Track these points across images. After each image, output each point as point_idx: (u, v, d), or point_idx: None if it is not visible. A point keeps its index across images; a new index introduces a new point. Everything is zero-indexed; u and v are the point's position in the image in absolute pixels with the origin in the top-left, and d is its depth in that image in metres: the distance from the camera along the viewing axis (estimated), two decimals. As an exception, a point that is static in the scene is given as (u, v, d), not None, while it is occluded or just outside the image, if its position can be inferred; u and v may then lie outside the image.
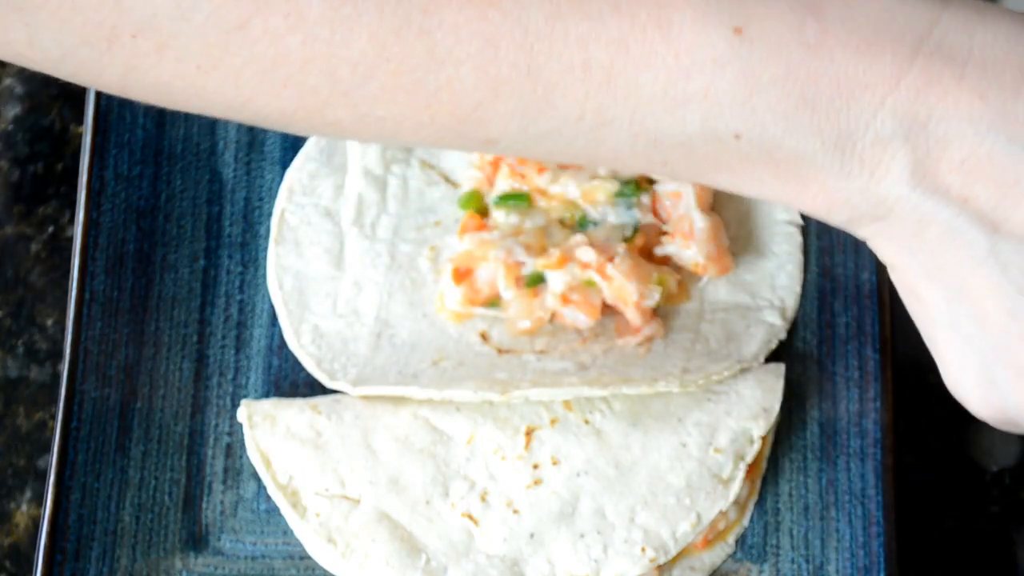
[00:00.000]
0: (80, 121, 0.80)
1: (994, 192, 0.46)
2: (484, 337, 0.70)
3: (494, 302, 0.70)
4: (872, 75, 0.46)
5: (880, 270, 0.70)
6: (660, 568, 0.66)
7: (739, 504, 0.68)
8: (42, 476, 0.74)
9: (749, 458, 0.67)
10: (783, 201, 0.51)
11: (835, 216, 0.50)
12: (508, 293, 0.69)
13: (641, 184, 0.70)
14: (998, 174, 0.46)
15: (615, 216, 0.70)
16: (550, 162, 0.58)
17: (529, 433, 0.67)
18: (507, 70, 0.48)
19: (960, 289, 0.49)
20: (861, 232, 0.51)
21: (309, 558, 0.67)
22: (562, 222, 0.71)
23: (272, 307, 0.72)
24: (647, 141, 0.49)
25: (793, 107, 0.46)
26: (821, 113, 0.46)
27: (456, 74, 0.48)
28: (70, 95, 0.81)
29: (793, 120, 0.47)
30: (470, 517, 0.66)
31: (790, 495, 0.68)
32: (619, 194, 0.70)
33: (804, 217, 0.72)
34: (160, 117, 0.73)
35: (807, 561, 0.67)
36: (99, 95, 0.73)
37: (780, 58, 0.46)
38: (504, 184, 0.71)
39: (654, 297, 0.69)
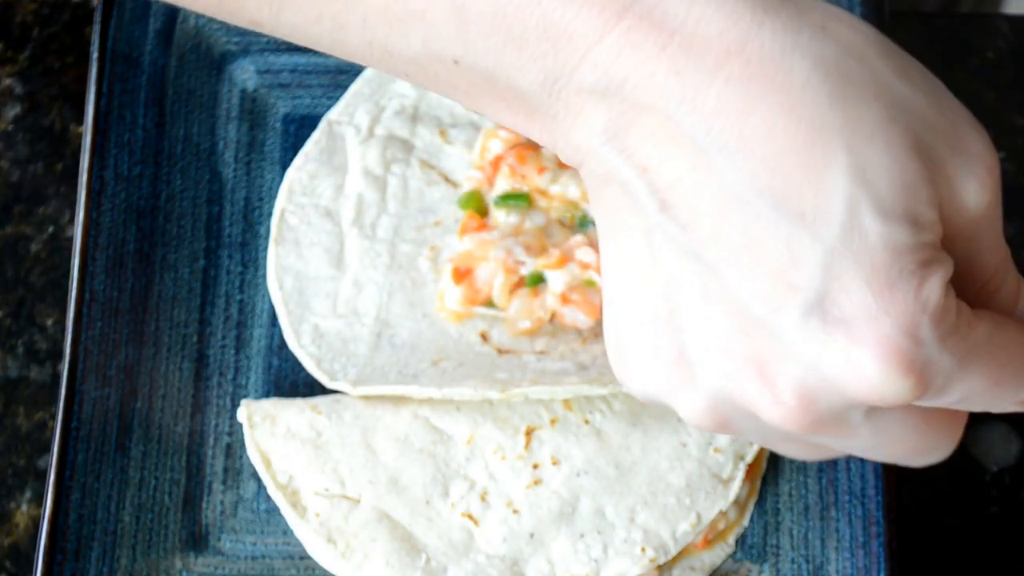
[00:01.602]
0: (80, 121, 0.80)
1: (671, 172, 0.45)
2: (484, 337, 0.70)
3: (494, 302, 0.70)
4: (577, 25, 0.45)
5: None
6: (660, 568, 0.66)
7: (739, 504, 0.68)
8: (42, 476, 0.74)
9: (749, 458, 0.67)
10: (517, 130, 0.50)
11: (561, 156, 0.50)
12: (502, 300, 0.69)
13: (641, 184, 0.70)
14: (678, 156, 0.44)
15: (615, 216, 0.70)
16: (307, 47, 0.60)
17: (529, 433, 0.67)
18: None
19: (624, 253, 0.48)
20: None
21: (309, 558, 0.67)
22: (562, 222, 0.71)
23: (272, 307, 0.72)
24: (381, 52, 0.50)
25: (502, 42, 0.46)
26: (527, 54, 0.46)
27: None
28: (70, 95, 0.81)
29: (503, 55, 0.47)
30: (470, 517, 0.66)
31: (790, 495, 0.68)
32: (619, 194, 0.70)
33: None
34: (160, 117, 0.73)
35: (807, 561, 0.67)
36: (99, 95, 0.72)
37: None
38: (504, 184, 0.71)
39: (654, 297, 0.69)
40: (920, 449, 0.50)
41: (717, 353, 0.46)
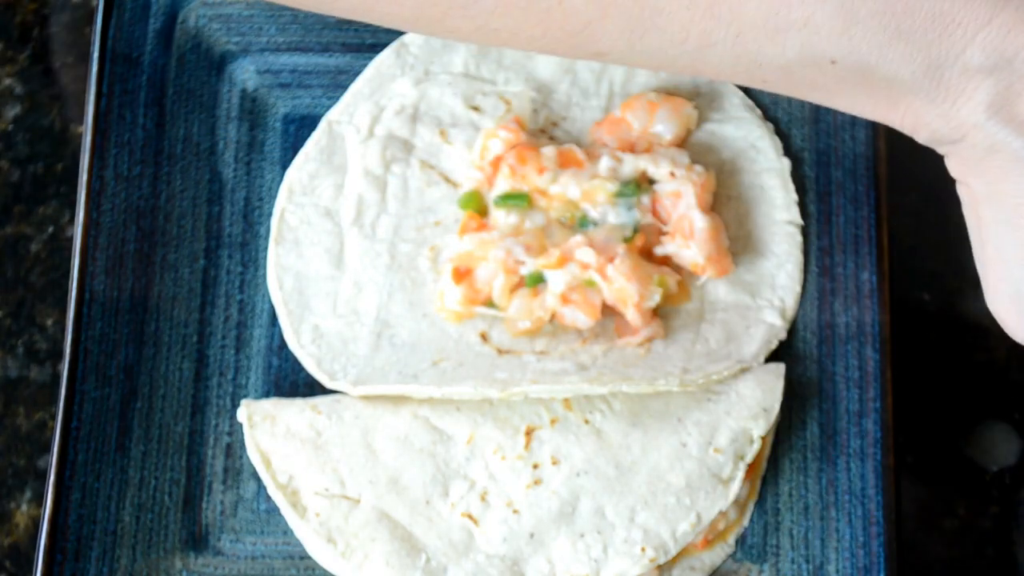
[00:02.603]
0: (80, 121, 0.80)
1: None
2: (484, 337, 0.70)
3: (494, 302, 0.70)
4: (966, 12, 0.50)
5: (880, 270, 0.70)
6: (660, 568, 0.66)
7: (739, 504, 0.68)
8: (42, 476, 0.74)
9: (749, 458, 0.67)
10: (873, 117, 0.55)
11: (919, 135, 0.54)
12: (502, 300, 0.69)
13: (641, 184, 0.70)
14: None
15: (615, 216, 0.70)
16: (658, 71, 0.62)
17: (529, 433, 0.67)
18: None
19: (1012, 215, 0.52)
20: (940, 150, 0.55)
21: (309, 558, 0.67)
22: (562, 222, 0.71)
23: (272, 307, 0.72)
24: (748, 63, 0.54)
25: (888, 39, 0.51)
26: (914, 45, 0.50)
27: None
28: (70, 95, 0.81)
29: (888, 50, 0.51)
30: (470, 517, 0.66)
31: (790, 495, 0.68)
32: (619, 194, 0.70)
33: (804, 217, 0.72)
34: (160, 117, 0.74)
35: (807, 561, 0.67)
36: (99, 95, 0.73)
37: None
38: (504, 184, 0.71)
39: (654, 298, 0.69)
40: None
41: None
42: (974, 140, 0.52)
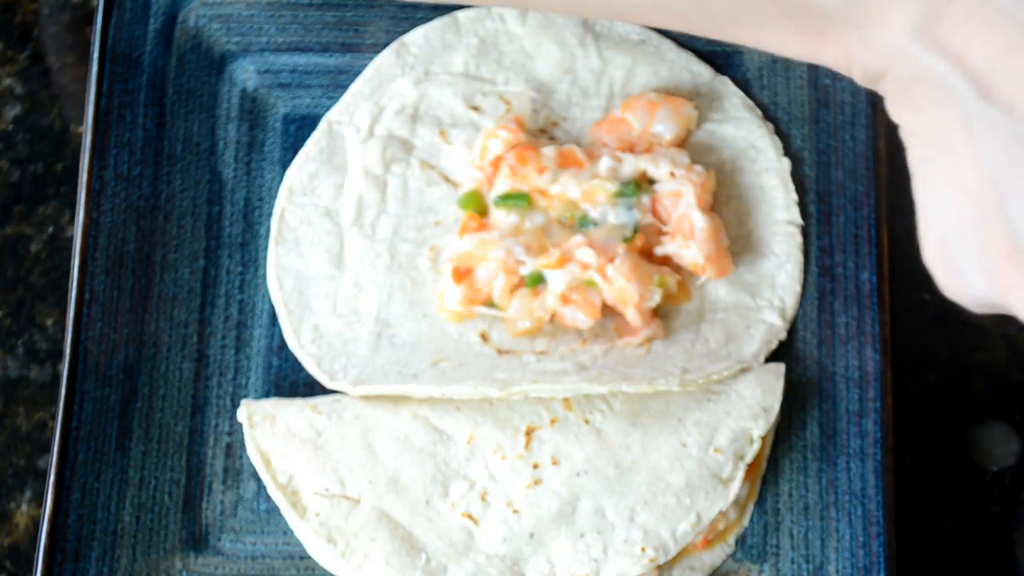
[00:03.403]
0: (80, 121, 0.80)
1: (992, 54, 0.44)
2: (484, 337, 0.70)
3: (494, 302, 0.70)
4: None
5: (880, 270, 0.70)
6: (660, 568, 0.66)
7: (739, 504, 0.68)
8: (42, 476, 0.74)
9: (749, 458, 0.67)
10: (805, 56, 0.51)
11: (854, 73, 0.50)
12: (502, 300, 0.69)
13: (641, 184, 0.70)
14: (999, 36, 0.44)
15: (615, 216, 0.70)
16: (580, 15, 0.58)
17: (529, 433, 0.67)
18: None
19: (936, 152, 0.47)
20: (879, 90, 0.50)
21: (309, 558, 0.67)
22: (562, 222, 0.71)
23: (272, 307, 0.72)
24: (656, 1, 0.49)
25: None
26: None
27: None
28: (70, 95, 0.81)
29: None
30: (470, 517, 0.66)
31: (790, 495, 0.68)
32: (619, 194, 0.70)
33: (804, 217, 0.72)
34: (160, 117, 0.74)
35: (807, 561, 0.67)
36: (99, 95, 0.73)
37: None
38: (504, 184, 0.71)
39: (655, 299, 0.69)
40: None
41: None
42: (899, 70, 0.48)
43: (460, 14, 0.75)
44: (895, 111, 0.50)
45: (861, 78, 0.50)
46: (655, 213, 0.71)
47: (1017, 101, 0.44)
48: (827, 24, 0.48)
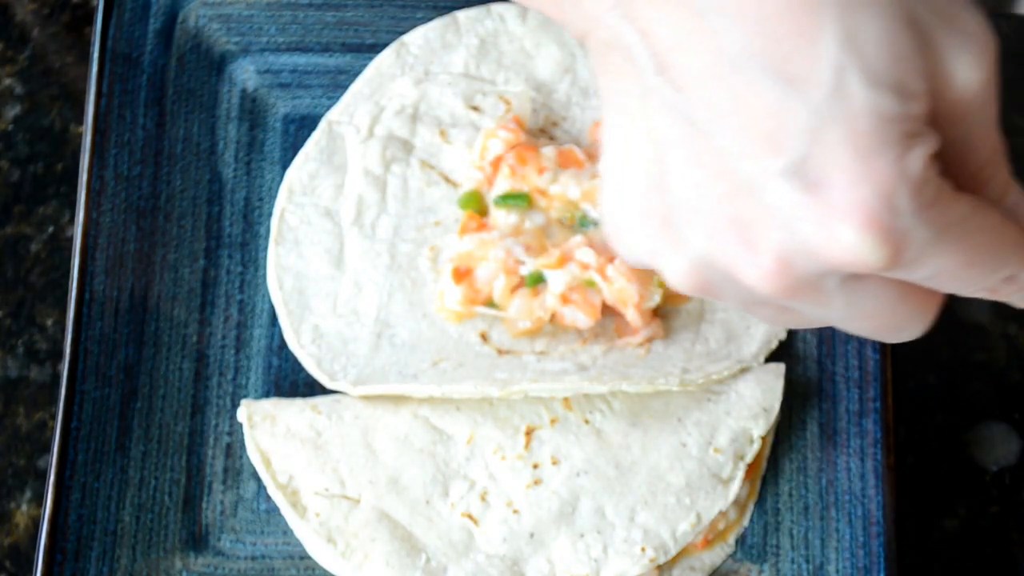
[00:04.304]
0: (80, 121, 0.80)
1: (671, 35, 0.46)
2: (484, 338, 0.70)
3: (494, 302, 0.70)
4: None
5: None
6: (660, 568, 0.66)
7: (739, 504, 0.68)
8: (42, 476, 0.74)
9: (749, 458, 0.67)
10: (560, 22, 0.53)
11: (570, 28, 0.52)
12: (502, 300, 0.69)
13: (641, 184, 0.70)
14: (679, 20, 0.46)
15: (615, 216, 0.70)
16: None
17: (529, 433, 0.67)
18: None
19: (622, 117, 0.49)
20: (585, 49, 0.52)
21: (309, 558, 0.67)
22: (562, 222, 0.71)
23: (272, 307, 0.72)
24: None
25: None
26: None
27: None
28: (70, 95, 0.81)
29: None
30: (470, 517, 0.66)
31: (790, 495, 0.68)
32: (619, 194, 0.70)
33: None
34: (160, 117, 0.74)
35: (807, 561, 0.67)
36: (99, 95, 0.73)
37: None
38: (504, 184, 0.71)
39: (655, 299, 0.69)
40: (891, 324, 0.50)
41: (702, 215, 0.47)
42: (596, 34, 0.50)
43: (460, 14, 0.75)
44: (593, 73, 0.53)
45: (571, 34, 0.53)
46: (655, 213, 0.71)
47: (686, 82, 0.46)
48: None
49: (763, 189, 0.45)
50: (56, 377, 0.75)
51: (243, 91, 0.75)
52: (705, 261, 0.48)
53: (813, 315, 0.50)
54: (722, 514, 0.67)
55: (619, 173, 0.50)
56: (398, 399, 0.68)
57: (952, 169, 0.47)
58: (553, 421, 0.67)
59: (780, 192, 0.44)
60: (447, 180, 0.73)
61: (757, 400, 0.67)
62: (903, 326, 0.51)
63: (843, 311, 0.49)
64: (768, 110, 0.44)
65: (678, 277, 0.49)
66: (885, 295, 0.49)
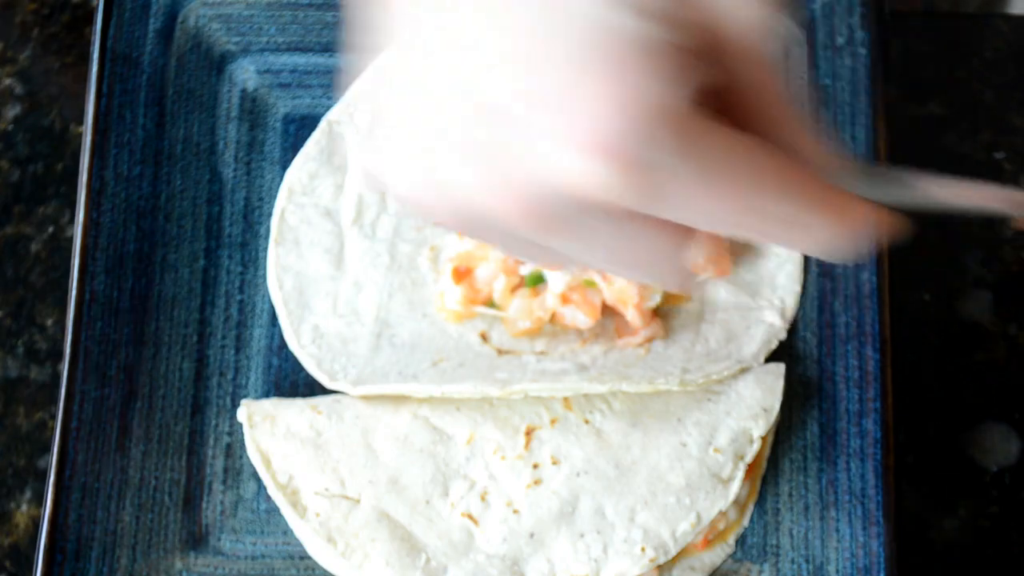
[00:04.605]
0: (80, 121, 0.80)
1: None
2: (484, 338, 0.70)
3: (494, 302, 0.70)
4: None
5: (880, 270, 0.70)
6: (660, 568, 0.66)
7: (739, 504, 0.68)
8: (42, 476, 0.74)
9: (749, 458, 0.67)
10: None
11: None
12: (502, 300, 0.69)
13: (641, 184, 0.70)
14: None
15: (615, 216, 0.70)
16: None
17: (529, 433, 0.67)
18: None
19: (400, 46, 0.48)
20: None
21: (309, 558, 0.67)
22: (562, 222, 0.71)
23: (272, 307, 0.72)
24: None
25: None
26: None
27: None
28: (70, 95, 0.81)
29: None
30: (470, 517, 0.66)
31: (790, 495, 0.68)
32: (619, 194, 0.70)
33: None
34: (160, 117, 0.73)
35: (807, 561, 0.67)
36: (99, 95, 0.72)
37: None
38: (504, 184, 0.71)
39: (655, 299, 0.69)
40: (642, 262, 0.48)
41: (451, 144, 0.44)
42: None
43: (460, 14, 0.75)
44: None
45: None
46: (655, 213, 0.71)
47: (452, 4, 0.45)
48: None
49: (506, 112, 0.42)
50: (56, 377, 0.75)
51: (243, 91, 0.75)
52: (455, 196, 0.45)
53: (571, 253, 0.47)
54: (722, 514, 0.67)
55: (384, 104, 0.48)
56: (398, 399, 0.68)
57: (740, 110, 0.45)
58: (553, 421, 0.67)
59: (516, 116, 0.42)
60: (447, 180, 0.73)
61: (757, 400, 0.67)
62: (653, 265, 0.49)
63: (605, 252, 0.47)
64: (515, 30, 0.42)
65: (438, 213, 0.46)
66: (634, 230, 0.46)
